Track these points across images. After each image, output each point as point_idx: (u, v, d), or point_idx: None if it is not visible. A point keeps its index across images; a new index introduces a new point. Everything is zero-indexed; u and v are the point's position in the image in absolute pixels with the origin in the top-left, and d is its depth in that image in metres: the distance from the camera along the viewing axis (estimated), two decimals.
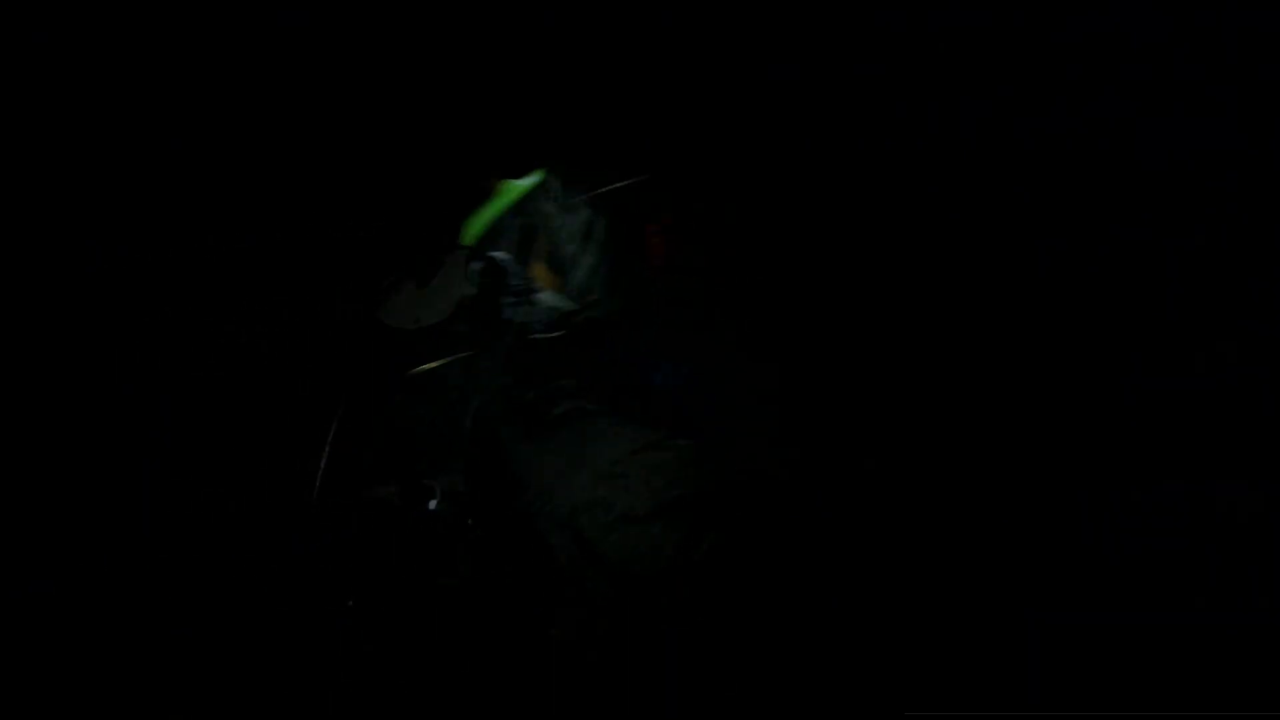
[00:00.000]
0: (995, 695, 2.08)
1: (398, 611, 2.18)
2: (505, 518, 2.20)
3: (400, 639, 2.17)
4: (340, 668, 2.21)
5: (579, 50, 3.17)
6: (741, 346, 2.79)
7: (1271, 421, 2.44)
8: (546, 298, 2.28)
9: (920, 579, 2.28)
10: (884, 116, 3.05)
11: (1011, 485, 2.41)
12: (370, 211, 2.97)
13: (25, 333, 2.71)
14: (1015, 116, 2.95)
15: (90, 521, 2.44)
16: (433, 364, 2.09)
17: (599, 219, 2.35)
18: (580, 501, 2.19)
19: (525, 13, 3.17)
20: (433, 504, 2.07)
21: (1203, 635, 2.12)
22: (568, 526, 2.17)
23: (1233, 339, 2.57)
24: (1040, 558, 2.28)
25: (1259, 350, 2.54)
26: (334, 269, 2.86)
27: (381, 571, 2.24)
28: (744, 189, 3.06)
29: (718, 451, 2.48)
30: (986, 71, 2.98)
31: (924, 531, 2.36)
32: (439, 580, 2.16)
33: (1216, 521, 2.31)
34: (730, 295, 2.88)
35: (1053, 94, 2.95)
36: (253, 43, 3.09)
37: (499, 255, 2.24)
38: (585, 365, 2.34)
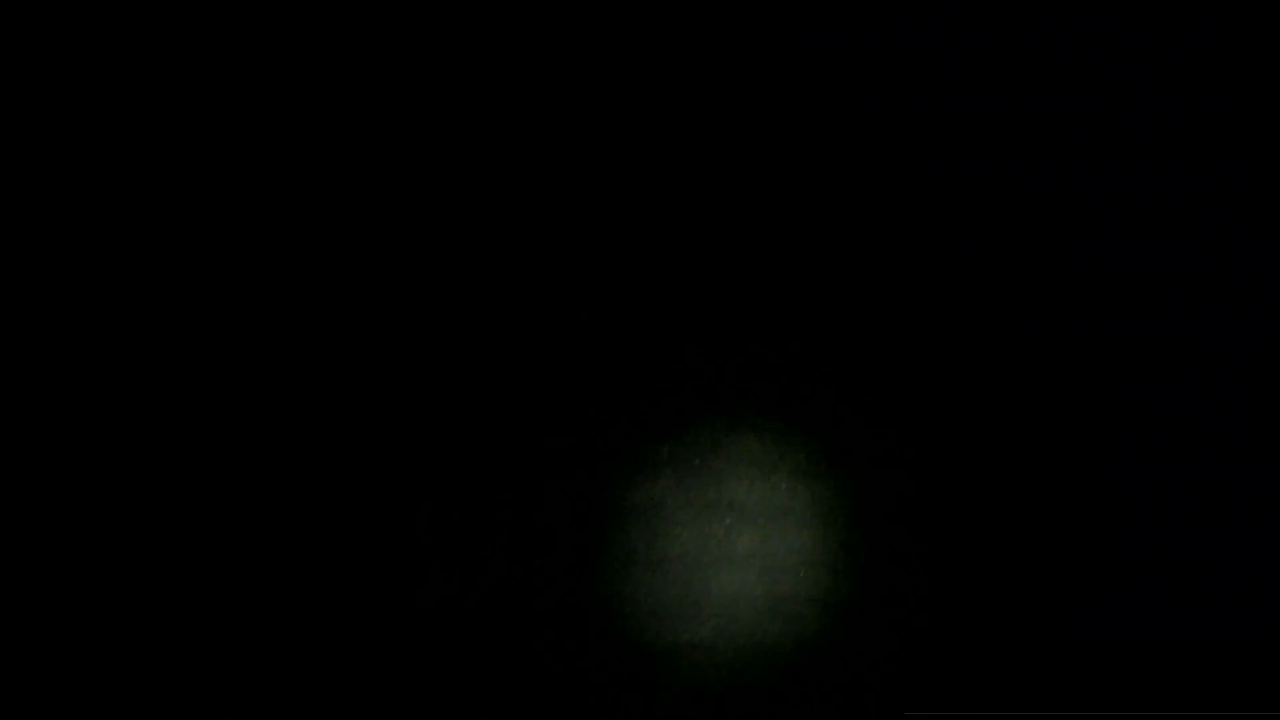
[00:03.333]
0: (995, 695, 2.09)
1: (397, 613, 2.18)
2: None
3: (399, 640, 2.17)
4: (340, 667, 2.21)
5: (579, 50, 3.17)
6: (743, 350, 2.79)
7: (1271, 421, 2.44)
8: None
9: (921, 579, 2.29)
10: (884, 116, 3.06)
11: (1012, 486, 2.41)
12: (370, 211, 2.97)
13: (26, 332, 2.71)
14: (1015, 116, 2.95)
15: (90, 521, 2.44)
16: None
17: None
18: None
19: (525, 13, 3.18)
20: None
21: (1203, 636, 2.13)
22: None
23: (1232, 339, 2.58)
24: (1040, 558, 2.29)
25: (1258, 350, 2.55)
26: (334, 269, 2.87)
27: (382, 573, 2.24)
28: (744, 189, 3.06)
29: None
30: (986, 71, 2.99)
31: (924, 532, 2.36)
32: (439, 584, 2.16)
33: (1216, 521, 2.31)
34: (730, 297, 2.88)
35: (1052, 93, 2.95)
36: (253, 42, 3.09)
37: None
38: None
